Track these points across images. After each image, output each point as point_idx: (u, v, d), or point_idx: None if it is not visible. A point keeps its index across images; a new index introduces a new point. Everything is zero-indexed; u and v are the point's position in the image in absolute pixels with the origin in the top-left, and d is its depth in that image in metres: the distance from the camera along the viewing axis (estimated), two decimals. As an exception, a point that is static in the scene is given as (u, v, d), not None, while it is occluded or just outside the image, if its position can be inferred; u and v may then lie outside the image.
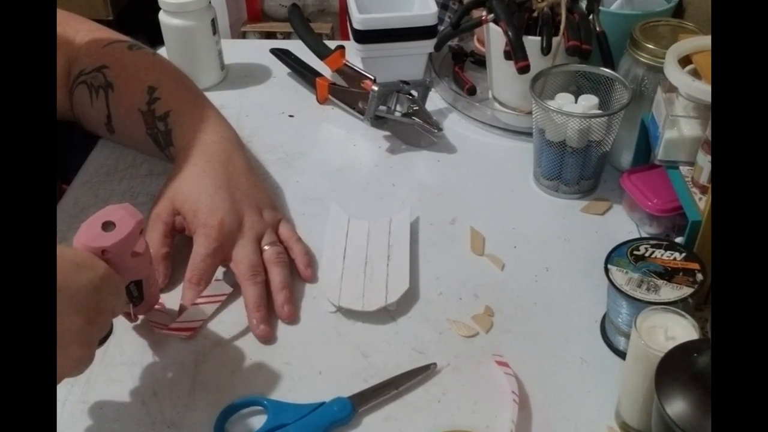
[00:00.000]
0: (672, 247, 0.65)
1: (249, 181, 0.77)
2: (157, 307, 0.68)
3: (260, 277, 0.71)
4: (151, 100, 0.81)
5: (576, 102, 0.80)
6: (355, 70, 0.97)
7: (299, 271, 0.74)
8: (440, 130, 0.92)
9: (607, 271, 0.64)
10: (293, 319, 0.70)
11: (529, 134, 0.86)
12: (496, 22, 0.86)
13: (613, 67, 0.83)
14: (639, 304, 0.60)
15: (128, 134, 0.86)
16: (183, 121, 0.80)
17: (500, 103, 0.95)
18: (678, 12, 0.92)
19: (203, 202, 0.73)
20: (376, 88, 0.90)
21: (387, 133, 0.95)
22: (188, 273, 0.70)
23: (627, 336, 0.64)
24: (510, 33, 0.83)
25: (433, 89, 0.98)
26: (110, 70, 0.84)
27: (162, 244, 0.73)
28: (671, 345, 0.52)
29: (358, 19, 0.96)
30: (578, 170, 0.82)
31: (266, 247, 0.73)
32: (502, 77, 0.92)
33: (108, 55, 0.85)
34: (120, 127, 0.86)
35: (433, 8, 0.98)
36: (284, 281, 0.71)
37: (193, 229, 0.72)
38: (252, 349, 0.67)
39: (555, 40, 0.83)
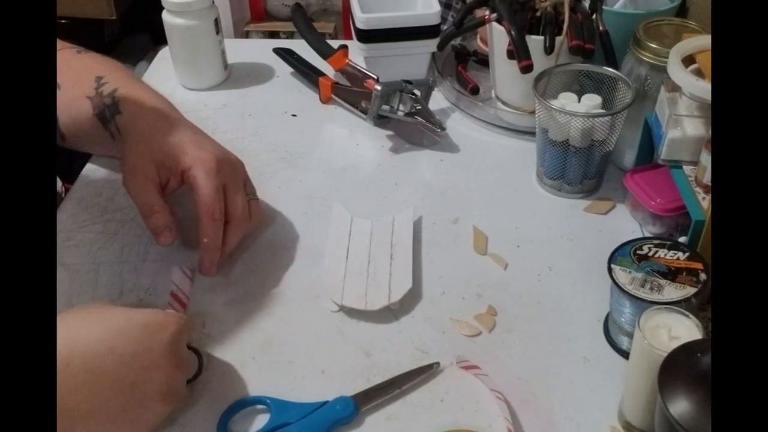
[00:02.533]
0: (675, 246, 0.65)
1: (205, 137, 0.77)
2: None
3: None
4: (99, 85, 0.79)
5: (579, 101, 0.80)
6: (358, 69, 0.97)
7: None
8: (443, 129, 0.92)
9: (610, 270, 0.64)
10: (209, 274, 0.72)
11: (532, 133, 0.86)
12: (499, 21, 0.86)
13: (616, 67, 0.83)
14: (642, 304, 0.60)
15: (74, 127, 0.82)
16: (131, 95, 0.78)
17: (503, 103, 0.95)
18: (681, 11, 0.92)
19: (188, 143, 0.71)
20: (379, 87, 0.90)
21: (390, 132, 0.95)
22: (206, 208, 0.69)
23: (630, 335, 0.64)
24: (513, 32, 0.83)
25: (436, 88, 0.98)
26: (57, 73, 0.81)
27: (159, 197, 0.71)
28: (674, 345, 0.52)
29: (361, 19, 0.96)
30: (581, 170, 0.82)
31: (238, 201, 0.73)
32: (505, 76, 0.92)
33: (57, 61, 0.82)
34: (66, 120, 0.82)
35: (436, 7, 0.98)
36: (233, 244, 0.73)
37: (184, 168, 0.70)
38: (255, 348, 0.67)
39: (558, 39, 0.83)
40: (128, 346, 0.56)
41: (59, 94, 0.81)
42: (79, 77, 0.81)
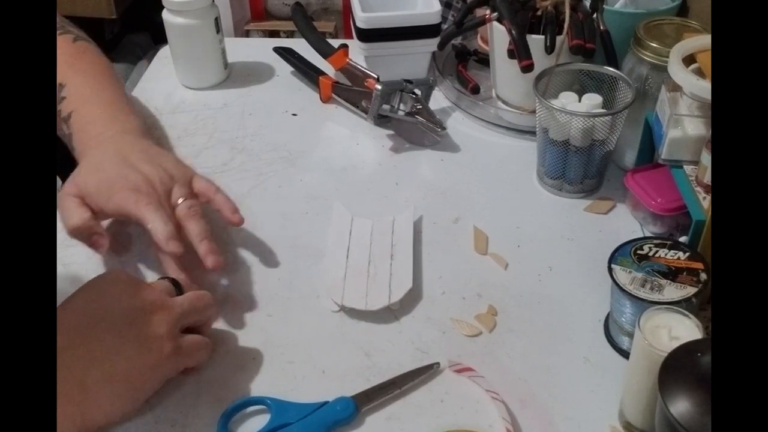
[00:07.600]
0: (676, 246, 0.65)
1: (147, 150, 0.76)
2: None
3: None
4: (60, 99, 0.79)
5: (579, 101, 0.80)
6: (359, 68, 0.97)
7: (226, 217, 0.73)
8: (444, 129, 0.92)
9: (610, 270, 0.64)
10: (219, 267, 0.69)
11: (533, 133, 0.86)
12: (499, 20, 0.86)
13: (616, 66, 0.83)
14: (642, 304, 0.60)
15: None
16: (83, 123, 0.78)
17: (504, 102, 0.95)
18: (682, 11, 0.91)
19: (104, 180, 0.71)
20: (379, 86, 0.90)
21: (390, 132, 0.95)
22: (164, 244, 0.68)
23: (630, 335, 0.64)
24: (514, 32, 0.83)
25: (436, 88, 0.98)
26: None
27: (83, 211, 0.70)
28: (675, 345, 0.52)
29: (362, 18, 0.96)
30: (582, 169, 0.82)
31: (179, 201, 0.72)
32: (505, 76, 0.92)
33: None
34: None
35: (437, 7, 0.98)
36: (202, 232, 0.70)
37: (112, 207, 0.71)
38: (255, 349, 0.67)
39: (559, 38, 0.83)
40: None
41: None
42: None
